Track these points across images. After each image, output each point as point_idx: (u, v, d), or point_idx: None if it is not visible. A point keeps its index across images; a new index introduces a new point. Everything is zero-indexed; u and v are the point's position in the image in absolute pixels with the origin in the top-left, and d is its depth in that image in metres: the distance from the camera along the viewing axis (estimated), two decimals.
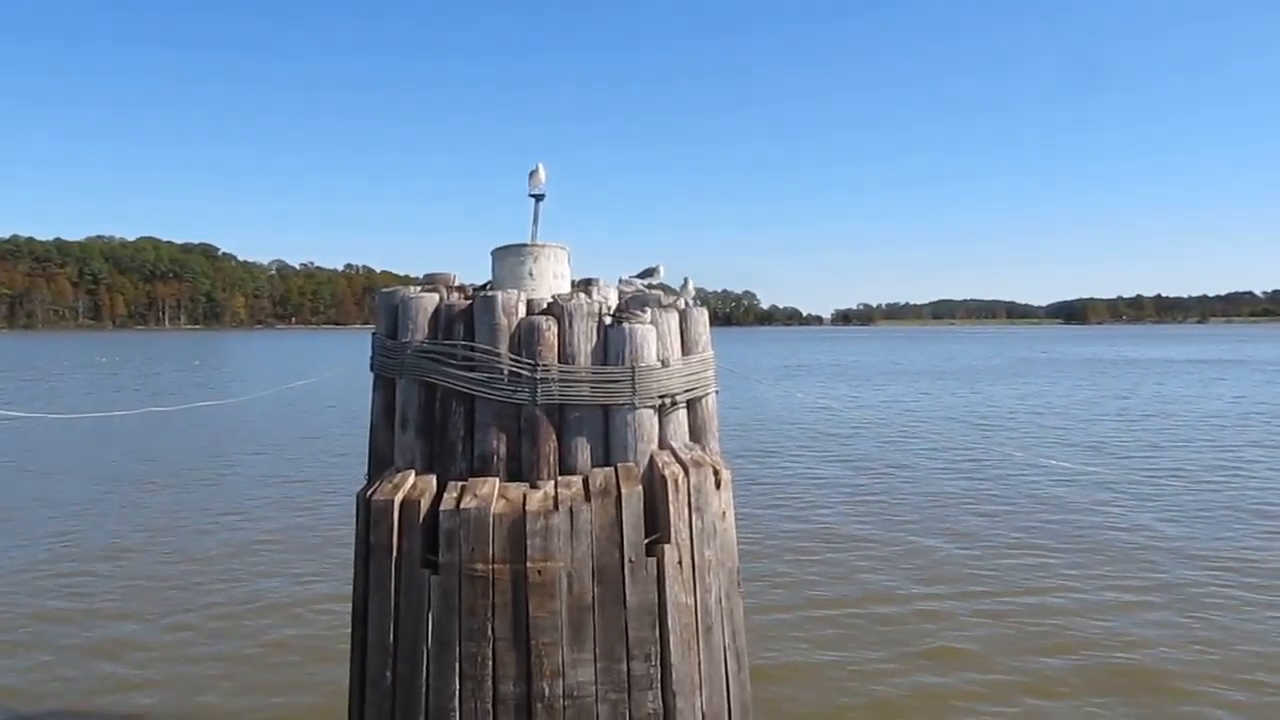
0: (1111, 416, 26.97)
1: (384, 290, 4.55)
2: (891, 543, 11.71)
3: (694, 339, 4.49)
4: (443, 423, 4.20)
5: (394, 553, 3.98)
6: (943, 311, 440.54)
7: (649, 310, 4.32)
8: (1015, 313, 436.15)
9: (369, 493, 4.14)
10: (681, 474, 4.05)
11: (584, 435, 4.16)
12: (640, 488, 4.00)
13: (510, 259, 4.56)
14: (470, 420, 4.17)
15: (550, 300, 4.31)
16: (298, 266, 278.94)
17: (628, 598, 3.89)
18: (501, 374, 4.09)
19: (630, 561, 3.91)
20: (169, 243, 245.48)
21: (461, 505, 3.88)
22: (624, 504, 3.92)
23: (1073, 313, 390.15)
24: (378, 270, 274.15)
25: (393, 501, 3.99)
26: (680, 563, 3.99)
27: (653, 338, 4.24)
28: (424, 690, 3.89)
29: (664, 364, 4.25)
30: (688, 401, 4.40)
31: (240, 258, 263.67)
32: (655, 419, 4.24)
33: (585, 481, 4.04)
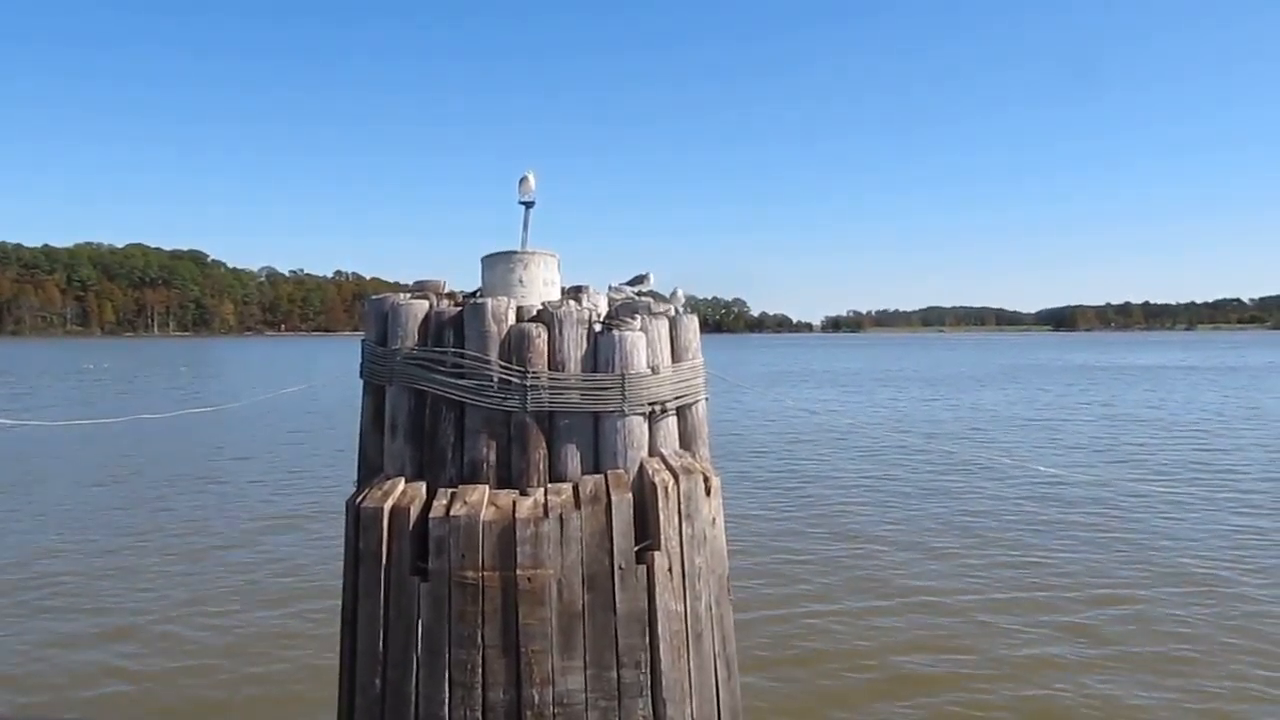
0: (1100, 422, 27.09)
1: (373, 297, 4.55)
2: (883, 548, 11.73)
3: (684, 346, 4.50)
4: (432, 430, 4.20)
5: (383, 560, 3.97)
6: (932, 318, 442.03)
7: (639, 317, 4.33)
8: (1004, 319, 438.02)
9: (358, 500, 4.13)
10: (671, 481, 4.05)
11: (574, 442, 4.16)
12: (630, 495, 4.00)
13: (500, 266, 4.57)
14: (460, 427, 4.16)
15: (540, 307, 4.31)
16: (287, 273, 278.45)
17: (618, 605, 3.89)
18: (491, 381, 4.10)
19: (620, 569, 3.91)
20: (158, 249, 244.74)
21: (451, 512, 3.88)
22: (614, 511, 3.92)
23: (1062, 319, 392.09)
24: (367, 277, 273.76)
25: (382, 509, 3.99)
26: (670, 570, 3.99)
27: (643, 345, 4.25)
28: (413, 698, 3.88)
29: (654, 371, 4.25)
30: (678, 408, 4.41)
31: (229, 264, 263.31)
32: (645, 426, 4.25)
33: (575, 489, 4.04)
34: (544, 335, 4.17)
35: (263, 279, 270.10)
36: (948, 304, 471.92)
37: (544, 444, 4.14)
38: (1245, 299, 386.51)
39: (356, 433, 4.58)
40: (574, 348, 4.19)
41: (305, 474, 17.83)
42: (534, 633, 3.83)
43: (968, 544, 12.02)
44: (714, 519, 4.29)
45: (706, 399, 4.59)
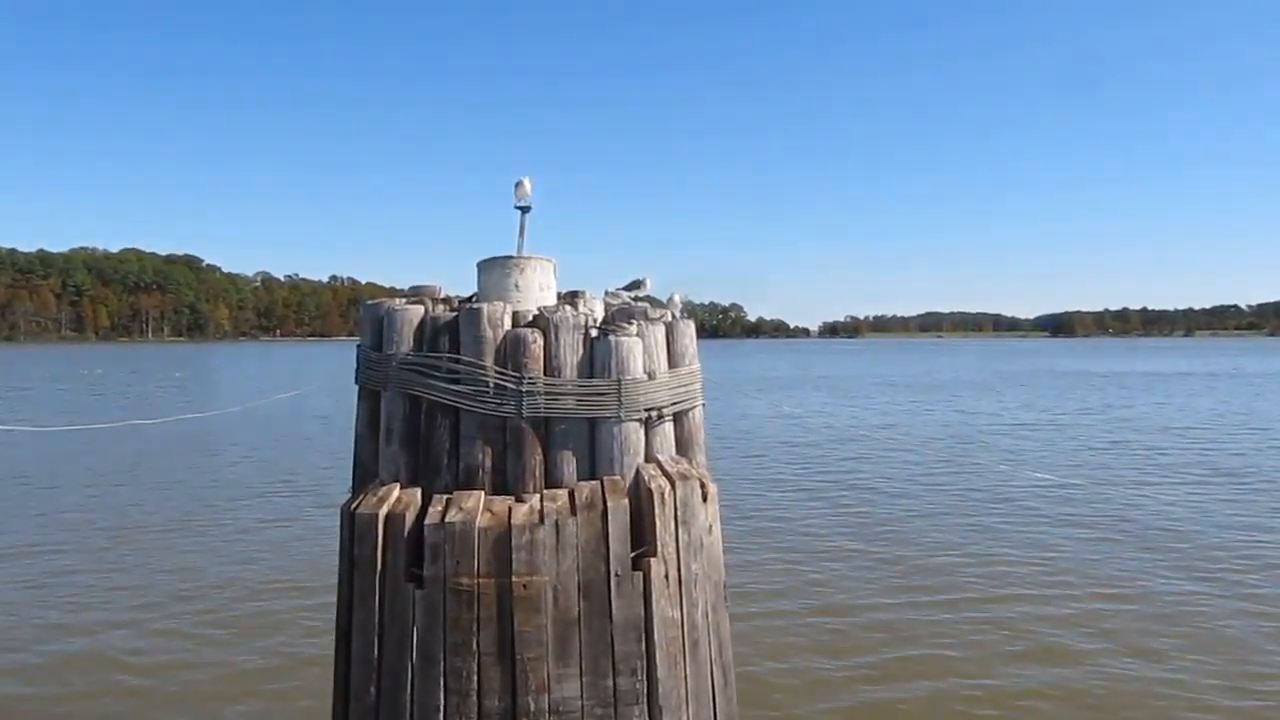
0: (1098, 428, 27.12)
1: (369, 302, 4.55)
2: (877, 554, 11.73)
3: (680, 351, 4.50)
4: (428, 435, 4.19)
5: (378, 566, 3.97)
6: (930, 324, 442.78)
7: (635, 323, 4.33)
8: (1002, 325, 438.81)
9: (353, 506, 4.12)
10: (668, 487, 4.05)
11: (570, 448, 4.16)
12: (626, 501, 4.00)
13: (496, 271, 4.57)
14: (455, 433, 4.16)
15: (536, 312, 4.31)
16: (282, 278, 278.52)
17: (614, 612, 3.89)
18: (487, 386, 4.09)
19: (616, 575, 3.91)
20: (153, 254, 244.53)
21: (446, 519, 3.88)
22: (610, 517, 3.92)
23: (1059, 325, 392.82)
24: (363, 282, 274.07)
25: (377, 515, 3.98)
26: (667, 577, 3.99)
27: (639, 350, 4.25)
28: (408, 705, 3.87)
29: (650, 377, 4.25)
30: (674, 414, 4.41)
31: (224, 269, 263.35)
32: (641, 432, 4.25)
33: (571, 495, 4.04)
34: (540, 341, 4.17)
35: (258, 284, 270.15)
36: (945, 309, 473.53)
37: (540, 450, 4.14)
38: (1243, 305, 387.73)
39: (351, 438, 4.57)
40: (570, 353, 4.19)
41: (300, 480, 17.80)
42: (530, 640, 3.82)
43: (967, 550, 12.02)
44: (711, 526, 4.29)
45: (703, 404, 4.59)
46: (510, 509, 3.95)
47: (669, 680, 3.93)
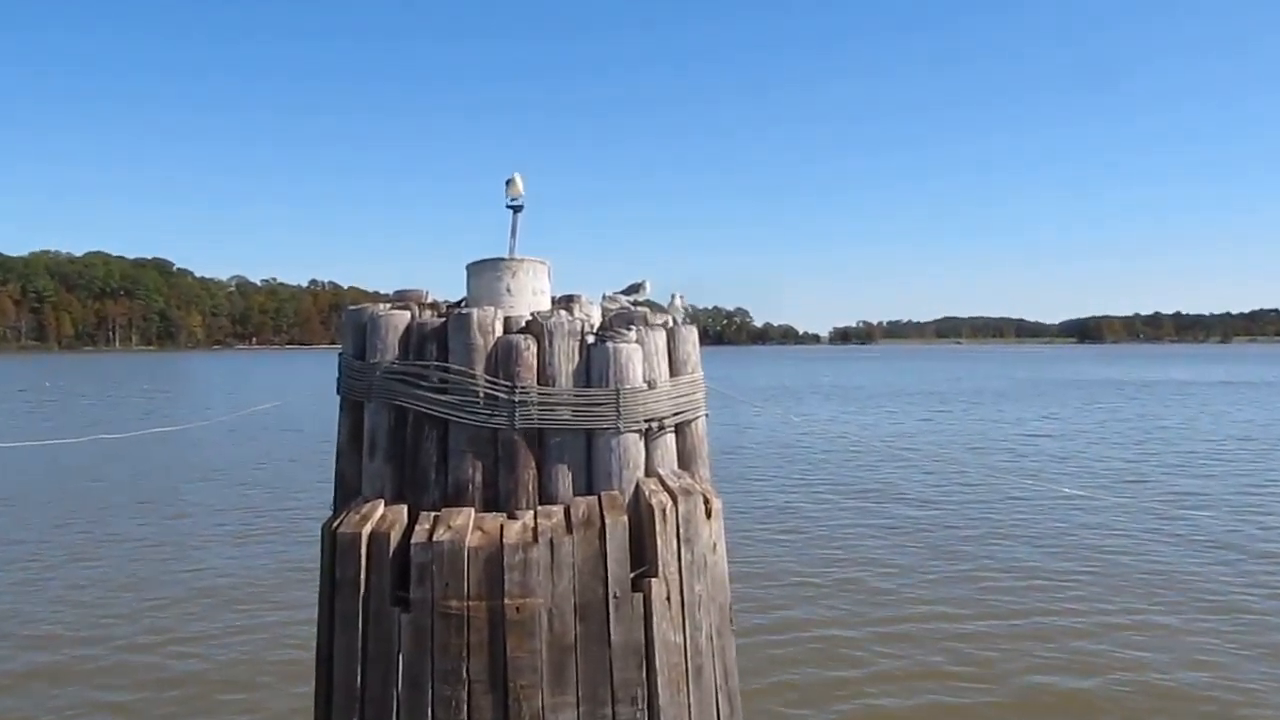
0: (1130, 441, 27.12)
1: (351, 308, 4.56)
2: (895, 573, 11.72)
3: (682, 359, 4.51)
4: (414, 449, 4.20)
5: (361, 589, 3.97)
6: (947, 329, 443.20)
7: (634, 329, 4.34)
8: (1025, 331, 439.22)
9: (334, 524, 4.13)
10: (669, 503, 4.06)
11: (565, 462, 4.17)
12: (625, 518, 4.00)
13: (486, 274, 4.58)
14: (443, 446, 4.17)
15: (529, 318, 4.33)
16: (259, 283, 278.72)
17: (612, 636, 3.89)
18: (477, 396, 4.10)
19: (615, 597, 3.91)
20: (120, 258, 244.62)
21: (434, 537, 3.88)
22: (608, 535, 3.93)
23: (1086, 331, 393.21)
24: (345, 286, 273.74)
25: (360, 534, 3.99)
26: (668, 598, 3.99)
27: (638, 358, 4.26)
28: None
29: (650, 386, 4.27)
30: (676, 425, 4.42)
31: (197, 273, 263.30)
32: (641, 444, 4.26)
33: (567, 511, 4.04)
34: (533, 348, 4.18)
35: (232, 289, 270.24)
36: (964, 314, 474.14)
37: (533, 464, 4.15)
38: None
39: (333, 452, 4.58)
40: (565, 361, 4.20)
41: (277, 497, 17.79)
42: (523, 666, 3.82)
43: (986, 569, 12.02)
44: (715, 543, 4.30)
45: (707, 415, 4.61)
46: (502, 527, 3.96)
47: (671, 708, 3.93)
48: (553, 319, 4.25)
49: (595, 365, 4.21)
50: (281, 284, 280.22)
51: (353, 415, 4.45)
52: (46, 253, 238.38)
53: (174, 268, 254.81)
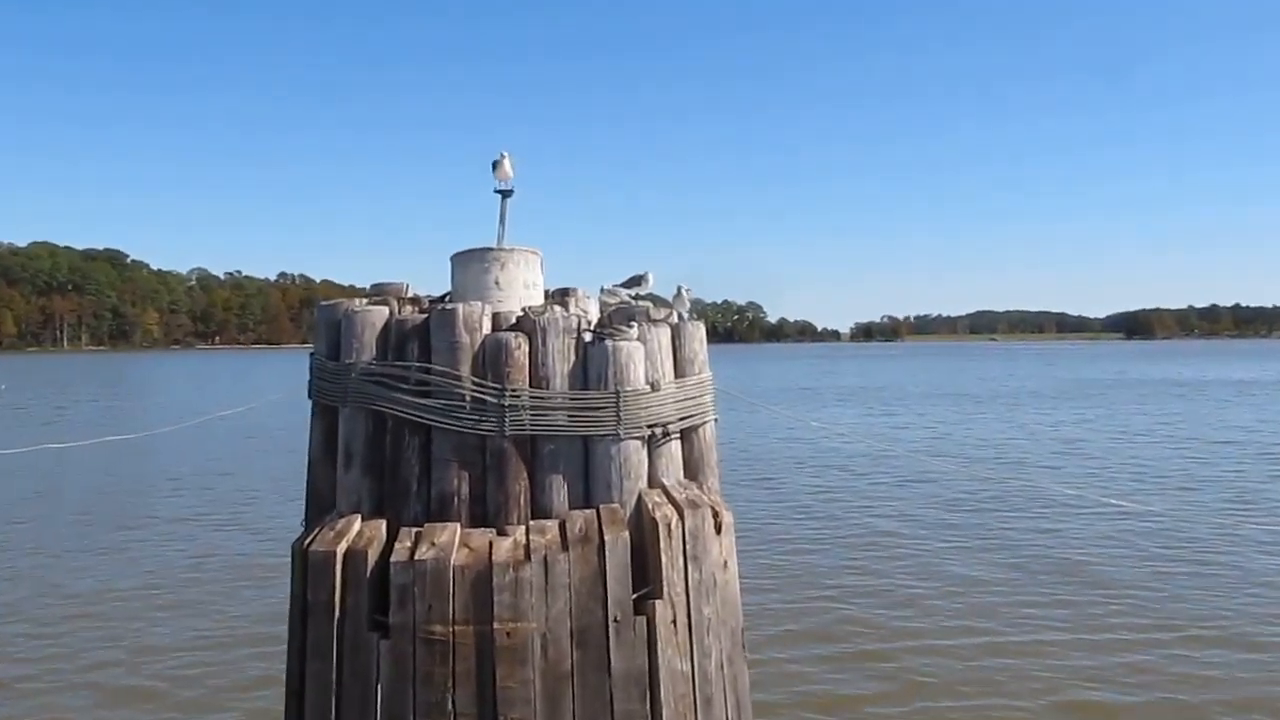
0: (1184, 447, 27.10)
1: (324, 303, 4.57)
2: (923, 594, 11.71)
3: (689, 358, 4.52)
4: (394, 459, 4.21)
5: (336, 613, 3.98)
6: (982, 325, 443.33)
7: (636, 325, 4.35)
8: (1067, 326, 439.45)
9: (307, 542, 4.14)
10: (675, 517, 4.06)
11: (560, 472, 4.17)
12: (626, 533, 4.01)
13: (473, 266, 4.59)
14: (426, 455, 4.18)
15: (520, 314, 4.33)
16: (222, 276, 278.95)
17: (613, 664, 3.89)
18: (463, 400, 4.11)
19: (615, 621, 3.91)
20: (68, 248, 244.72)
21: (416, 556, 3.89)
22: (608, 553, 3.93)
23: (1135, 326, 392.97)
24: (317, 280, 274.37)
25: (334, 552, 3.99)
26: (674, 622, 4.00)
27: (640, 357, 4.27)
28: None
29: (654, 387, 4.27)
30: (682, 431, 4.42)
31: (154, 266, 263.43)
32: (644, 452, 4.26)
33: (562, 526, 4.05)
34: (525, 346, 4.18)
35: (193, 282, 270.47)
36: (1000, 308, 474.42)
37: (525, 474, 4.15)
38: None
39: (304, 463, 4.59)
40: (560, 361, 4.20)
41: (243, 512, 17.80)
42: (514, 697, 3.83)
43: (1020, 587, 12.01)
44: (725, 561, 4.30)
45: (716, 420, 4.61)
46: (491, 544, 3.97)
47: None
48: (546, 314, 4.25)
49: (593, 365, 4.22)
50: (247, 277, 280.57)
51: (326, 422, 4.45)
52: None
53: (128, 259, 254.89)
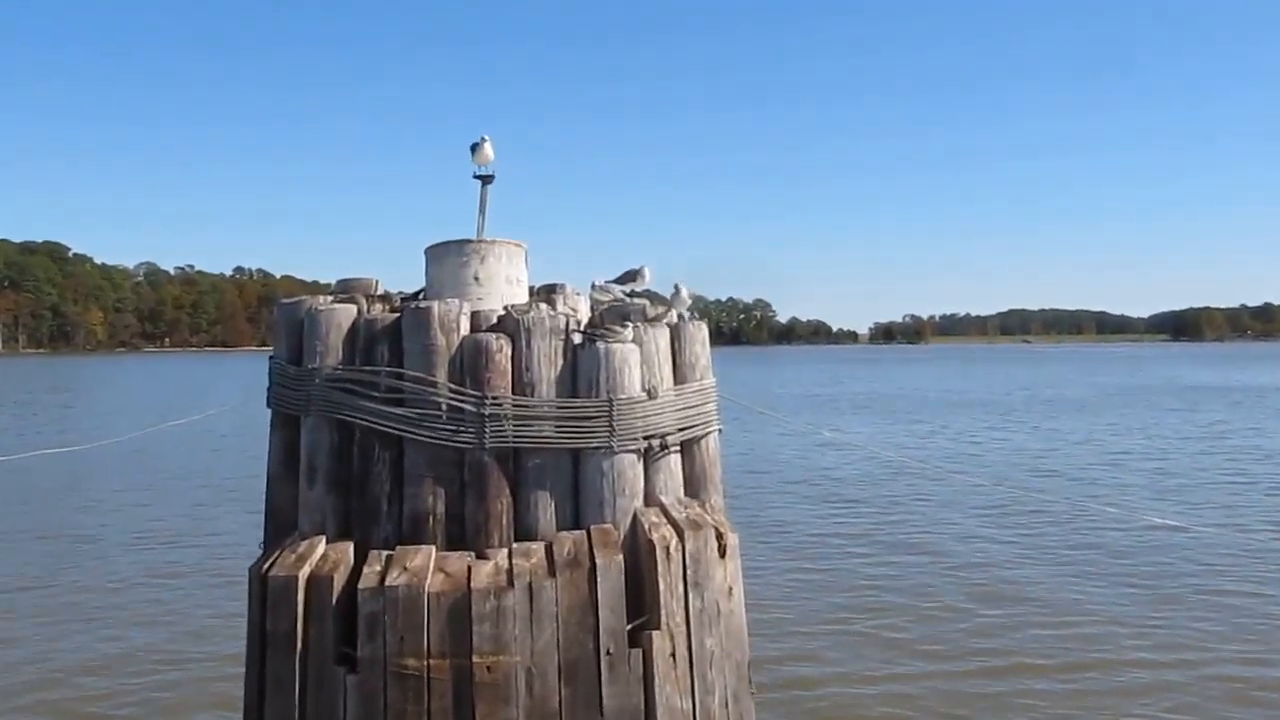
0: (1237, 461, 27.12)
1: (285, 301, 4.56)
2: (948, 621, 11.70)
3: (690, 362, 4.51)
4: (362, 474, 4.20)
5: (298, 645, 3.96)
6: (1014, 325, 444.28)
7: (631, 325, 4.34)
8: (1108, 326, 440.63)
9: (266, 566, 4.12)
10: (674, 539, 4.05)
11: (546, 488, 4.16)
12: (620, 557, 4.00)
13: (450, 259, 4.58)
14: (398, 470, 4.17)
15: (502, 313, 4.32)
16: (172, 271, 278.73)
17: (605, 702, 3.89)
18: (438, 409, 4.10)
19: (608, 654, 3.91)
20: (3, 241, 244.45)
21: (387, 582, 3.87)
22: (599, 578, 3.92)
23: (1182, 326, 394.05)
24: (277, 276, 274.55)
25: (296, 577, 3.98)
26: (673, 655, 3.99)
27: (636, 361, 4.26)
28: None
29: (651, 395, 4.26)
30: (682, 443, 4.42)
31: (98, 260, 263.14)
32: (640, 466, 4.25)
33: (549, 549, 4.04)
34: (507, 349, 4.18)
35: (140, 278, 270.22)
36: (1034, 306, 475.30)
37: (508, 491, 4.14)
38: None
39: (263, 479, 4.58)
40: (546, 365, 4.19)
41: (195, 532, 17.76)
42: None
43: (1061, 616, 12.00)
44: (730, 588, 4.29)
45: (720, 431, 4.60)
46: (469, 569, 3.96)
47: None
48: (531, 314, 4.25)
49: (583, 370, 4.21)
50: (200, 272, 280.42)
51: (287, 433, 4.44)
52: None
53: (69, 253, 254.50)
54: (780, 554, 15.46)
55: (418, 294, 4.69)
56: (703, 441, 4.52)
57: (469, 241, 4.62)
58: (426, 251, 4.67)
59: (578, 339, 4.27)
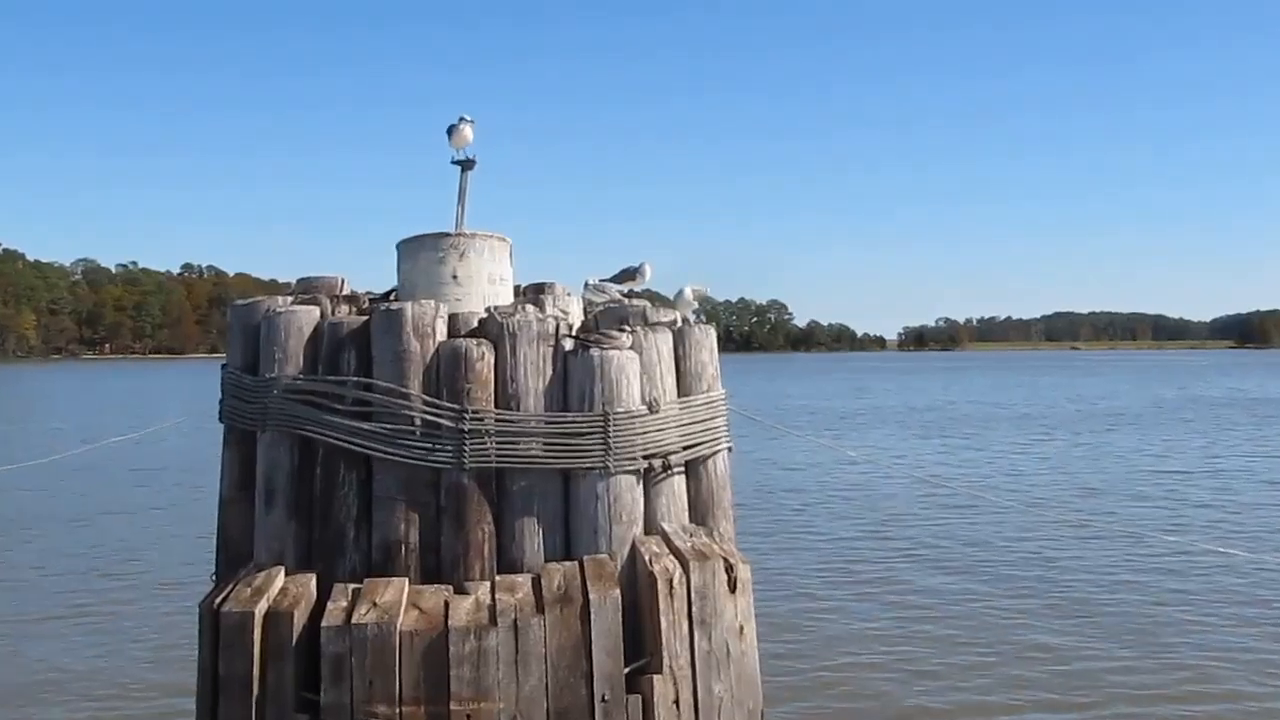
0: None
1: (239, 303, 4.57)
2: (993, 662, 11.70)
3: (696, 371, 4.51)
4: (325, 497, 4.20)
5: (255, 689, 3.96)
6: (1060, 330, 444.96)
7: (630, 329, 4.34)
8: (1165, 331, 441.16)
9: (218, 600, 4.12)
10: (678, 571, 4.05)
11: (534, 514, 4.16)
12: (617, 592, 4.00)
13: (425, 255, 4.58)
14: (366, 493, 4.16)
15: (484, 315, 4.32)
16: (114, 269, 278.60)
17: None
18: (411, 425, 4.09)
19: (603, 701, 3.90)
20: None
21: (354, 619, 3.87)
22: (593, 616, 3.92)
23: (1248, 331, 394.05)
24: (230, 274, 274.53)
25: (252, 614, 3.98)
26: (677, 702, 3.99)
27: (635, 370, 4.26)
28: None
29: (651, 408, 4.26)
30: (687, 463, 4.41)
31: (30, 257, 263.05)
32: (639, 489, 4.25)
33: (536, 583, 4.04)
34: (489, 357, 4.17)
35: (77, 277, 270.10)
36: (1083, 309, 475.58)
37: (490, 517, 4.14)
38: None
39: (215, 502, 4.57)
40: (534, 375, 4.19)
41: (137, 561, 17.74)
42: None
43: (1105, 655, 12.00)
44: (741, 627, 4.29)
45: (729, 449, 4.60)
46: (447, 604, 3.95)
47: None
48: (516, 316, 4.24)
49: (575, 381, 4.20)
50: (144, 270, 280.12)
51: (242, 451, 4.44)
52: None
53: None
54: (799, 589, 15.45)
55: (389, 294, 4.70)
56: (710, 461, 4.52)
57: (446, 235, 4.62)
58: (399, 246, 4.67)
59: (569, 345, 4.27)
